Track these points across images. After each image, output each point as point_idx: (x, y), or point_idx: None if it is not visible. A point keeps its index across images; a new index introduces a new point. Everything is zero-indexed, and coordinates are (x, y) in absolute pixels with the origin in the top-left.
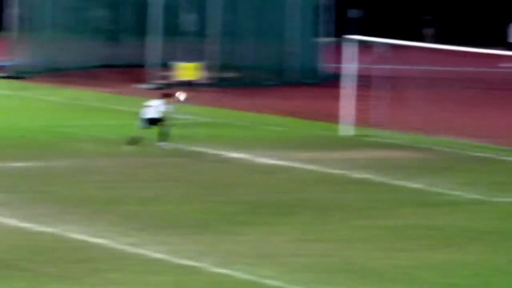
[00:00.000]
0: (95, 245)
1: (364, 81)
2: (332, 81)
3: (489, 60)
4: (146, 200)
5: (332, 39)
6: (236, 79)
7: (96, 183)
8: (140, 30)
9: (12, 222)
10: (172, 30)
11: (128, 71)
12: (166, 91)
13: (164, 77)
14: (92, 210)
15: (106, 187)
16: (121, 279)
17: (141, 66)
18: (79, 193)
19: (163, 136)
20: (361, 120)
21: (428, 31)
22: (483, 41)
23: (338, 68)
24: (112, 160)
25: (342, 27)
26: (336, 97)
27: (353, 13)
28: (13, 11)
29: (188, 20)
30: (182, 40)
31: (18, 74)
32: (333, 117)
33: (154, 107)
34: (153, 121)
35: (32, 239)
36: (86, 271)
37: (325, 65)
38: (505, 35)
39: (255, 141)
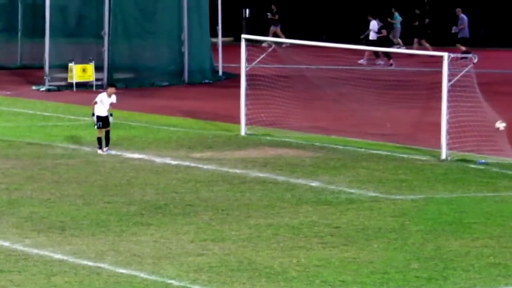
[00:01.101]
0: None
1: (259, 80)
2: (228, 81)
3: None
4: (45, 202)
5: (228, 38)
6: (129, 80)
7: None
8: (34, 31)
9: None
10: (65, 31)
11: (22, 73)
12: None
13: (59, 79)
14: None
15: (4, 188)
16: (23, 280)
17: (35, 67)
18: None
19: (109, 139)
20: (257, 119)
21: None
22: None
23: (234, 68)
24: (11, 161)
25: (238, 27)
26: (233, 97)
27: (247, 12)
28: None
29: (80, 21)
30: (76, 41)
31: None
32: (230, 117)
33: (103, 104)
34: (104, 120)
35: None
36: None
37: (221, 65)
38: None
39: (151, 142)
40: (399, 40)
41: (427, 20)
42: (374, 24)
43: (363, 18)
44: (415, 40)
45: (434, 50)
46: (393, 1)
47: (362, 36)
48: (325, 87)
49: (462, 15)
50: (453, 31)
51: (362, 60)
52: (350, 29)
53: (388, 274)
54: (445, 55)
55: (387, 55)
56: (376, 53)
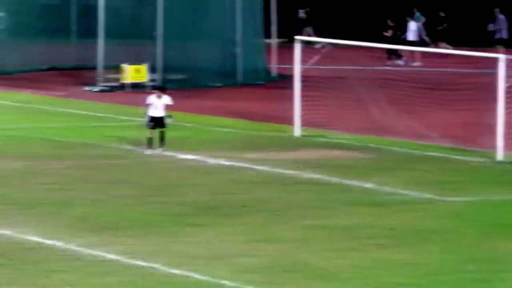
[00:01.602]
0: (49, 247)
1: (311, 82)
2: (278, 82)
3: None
4: (98, 202)
5: (279, 40)
6: (181, 81)
7: (46, 185)
8: (86, 32)
9: None
10: (116, 32)
11: (74, 74)
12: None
13: (110, 79)
14: (42, 212)
15: (57, 189)
16: (76, 280)
17: (88, 68)
18: (28, 195)
19: (163, 140)
20: (310, 120)
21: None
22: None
23: (284, 69)
24: (63, 162)
25: (290, 28)
26: (283, 98)
27: (301, 13)
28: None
29: (131, 22)
30: (127, 42)
31: None
32: (281, 118)
33: (156, 105)
34: (157, 120)
35: None
36: (41, 272)
37: (271, 65)
38: None
39: (204, 143)
40: (427, 39)
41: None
42: (412, 25)
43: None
44: (431, 41)
45: (470, 51)
46: (416, 1)
47: (402, 37)
48: (377, 88)
49: (500, 16)
50: (488, 29)
51: (400, 61)
52: (376, 29)
53: (443, 276)
54: (501, 56)
55: (398, 54)
56: (395, 53)
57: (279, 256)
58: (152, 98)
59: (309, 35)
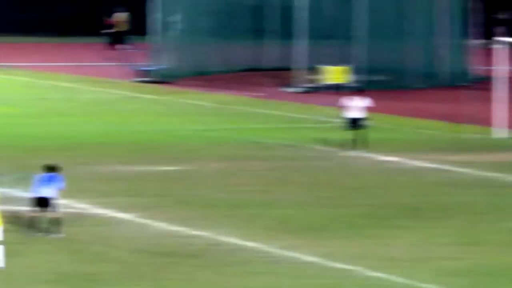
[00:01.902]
0: (248, 248)
1: None
2: (482, 83)
3: None
4: (297, 204)
5: (481, 41)
6: (384, 82)
7: (246, 187)
8: (285, 33)
9: (162, 225)
10: (317, 33)
11: (273, 75)
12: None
13: (310, 81)
14: (243, 213)
15: (257, 190)
16: (275, 282)
17: (286, 69)
18: (229, 197)
19: (364, 142)
20: None
21: None
22: None
23: (487, 71)
24: (263, 163)
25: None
26: (487, 100)
27: (502, 15)
28: (157, 16)
29: (333, 23)
30: (328, 43)
31: (163, 79)
32: (485, 120)
33: (357, 106)
34: (355, 122)
35: (184, 242)
36: (240, 274)
37: (475, 67)
38: None
39: (405, 144)
40: None
41: None
42: None
43: None
44: None
45: None
46: None
47: None
48: None
49: None
50: None
51: None
52: None
53: None
54: None
55: None
56: None
57: (485, 259)
58: (351, 100)
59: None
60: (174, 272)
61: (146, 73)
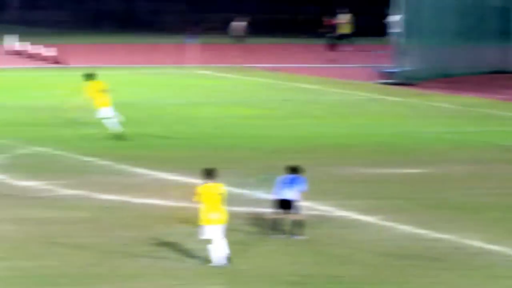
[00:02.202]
0: (493, 252)
1: None
2: None
3: None
4: None
5: None
6: None
7: (492, 190)
8: None
9: (406, 228)
10: None
11: None
12: None
13: None
14: (488, 217)
15: (504, 194)
16: None
17: None
18: (474, 200)
19: None
20: None
21: None
22: None
23: None
24: (509, 167)
25: None
26: None
27: None
28: (400, 17)
29: None
30: None
31: (407, 81)
32: None
33: None
34: None
35: (428, 245)
36: (484, 277)
37: None
38: None
39: None
40: None
41: None
42: None
43: None
44: None
45: None
46: None
47: None
48: None
49: None
50: None
51: None
52: None
53: None
54: None
55: None
56: None
57: None
58: None
59: None
60: (418, 276)
61: (390, 75)
